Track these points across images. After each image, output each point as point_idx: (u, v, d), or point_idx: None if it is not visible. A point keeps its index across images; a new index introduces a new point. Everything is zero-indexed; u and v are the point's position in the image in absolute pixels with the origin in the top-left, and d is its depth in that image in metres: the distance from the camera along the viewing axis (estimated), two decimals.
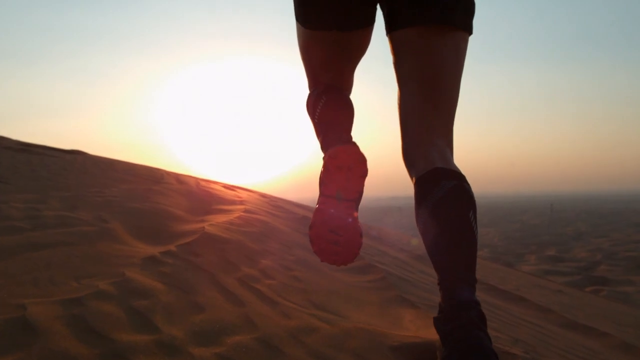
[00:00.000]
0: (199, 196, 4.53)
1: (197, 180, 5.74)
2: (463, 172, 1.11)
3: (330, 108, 1.30)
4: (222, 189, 5.80)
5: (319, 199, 1.27)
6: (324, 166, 1.24)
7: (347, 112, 1.33)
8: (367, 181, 1.27)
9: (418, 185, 1.12)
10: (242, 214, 3.50)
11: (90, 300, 1.32)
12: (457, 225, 1.03)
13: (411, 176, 1.16)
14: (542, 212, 35.37)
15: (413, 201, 1.13)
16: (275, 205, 4.99)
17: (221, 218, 3.16)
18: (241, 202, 4.41)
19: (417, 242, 2.24)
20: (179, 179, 5.71)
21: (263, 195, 6.03)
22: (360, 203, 1.30)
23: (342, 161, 1.22)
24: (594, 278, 11.74)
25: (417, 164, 1.14)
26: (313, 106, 1.35)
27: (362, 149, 1.26)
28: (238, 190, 6.15)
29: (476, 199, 1.10)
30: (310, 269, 2.38)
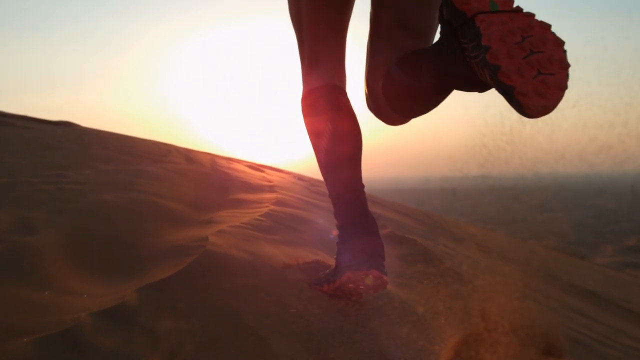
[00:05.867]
0: (213, 180, 3.53)
1: (213, 158, 4.75)
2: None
3: (339, 143, 1.30)
4: (246, 169, 4.79)
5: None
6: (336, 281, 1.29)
7: (356, 140, 1.34)
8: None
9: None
10: (272, 207, 2.47)
11: None
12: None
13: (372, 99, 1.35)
14: (621, 194, 33.36)
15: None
16: (316, 192, 3.96)
17: (239, 217, 2.15)
18: (271, 189, 3.39)
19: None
20: (189, 156, 4.74)
21: (300, 178, 5.01)
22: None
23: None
24: None
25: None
26: (316, 128, 1.36)
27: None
28: (267, 170, 5.13)
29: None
30: (402, 327, 1.34)
